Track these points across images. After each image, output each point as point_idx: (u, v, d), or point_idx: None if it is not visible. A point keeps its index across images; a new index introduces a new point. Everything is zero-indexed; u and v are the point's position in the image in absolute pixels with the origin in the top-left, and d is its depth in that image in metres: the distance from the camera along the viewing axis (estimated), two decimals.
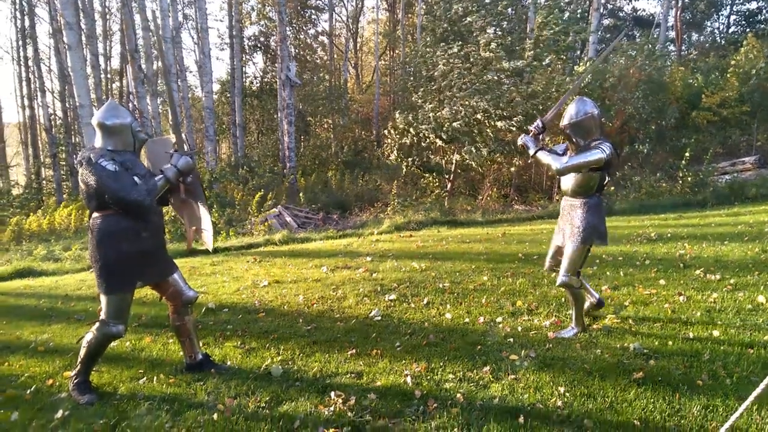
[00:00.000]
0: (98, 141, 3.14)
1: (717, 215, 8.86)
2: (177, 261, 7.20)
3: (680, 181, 11.29)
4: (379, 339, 4.03)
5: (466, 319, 4.41)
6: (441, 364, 3.55)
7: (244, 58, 29.18)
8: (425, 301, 4.87)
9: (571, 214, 3.93)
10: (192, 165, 3.31)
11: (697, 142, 13.34)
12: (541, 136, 3.99)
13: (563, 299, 4.76)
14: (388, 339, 4.02)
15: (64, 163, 21.84)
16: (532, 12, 15.16)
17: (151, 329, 4.48)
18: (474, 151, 11.79)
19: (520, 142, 4.00)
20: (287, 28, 21.00)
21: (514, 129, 12.24)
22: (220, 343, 4.05)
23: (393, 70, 30.48)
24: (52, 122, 22.29)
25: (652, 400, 2.99)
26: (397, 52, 30.09)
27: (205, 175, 13.09)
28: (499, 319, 4.37)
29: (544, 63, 12.65)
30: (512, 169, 13.44)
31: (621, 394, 3.07)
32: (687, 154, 11.25)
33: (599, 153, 3.63)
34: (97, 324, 3.17)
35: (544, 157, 3.84)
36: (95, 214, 3.08)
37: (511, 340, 3.93)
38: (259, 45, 29.10)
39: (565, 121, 3.83)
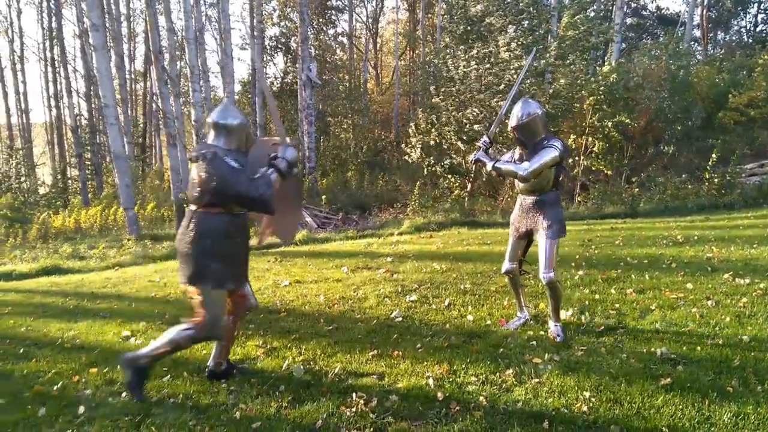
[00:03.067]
0: (213, 140, 3.12)
1: (745, 218, 8.65)
2: None
3: (707, 183, 11.06)
4: (401, 340, 4.02)
5: (488, 321, 4.37)
6: (463, 366, 3.52)
7: (265, 59, 29.44)
8: (446, 303, 4.84)
9: (538, 211, 3.97)
10: (296, 156, 3.31)
11: (723, 142, 13.06)
12: (489, 150, 4.07)
13: (587, 302, 4.69)
14: (410, 340, 4.00)
15: (89, 162, 22.27)
16: (556, 12, 15.00)
17: None
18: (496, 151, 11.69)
19: (472, 158, 4.06)
20: (308, 29, 21.10)
21: None
22: (242, 343, 4.07)
23: (413, 70, 30.45)
24: (78, 122, 22.72)
25: (680, 406, 2.92)
26: (417, 52, 30.05)
27: None
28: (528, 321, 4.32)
29: (567, 62, 12.50)
30: None
31: (648, 400, 3.00)
32: (714, 155, 11.01)
33: (553, 151, 3.73)
34: (194, 323, 3.11)
35: (504, 166, 3.91)
36: (201, 210, 3.05)
37: (534, 343, 3.88)
38: (280, 46, 29.32)
39: (512, 123, 3.88)
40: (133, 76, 29.29)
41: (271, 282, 5.79)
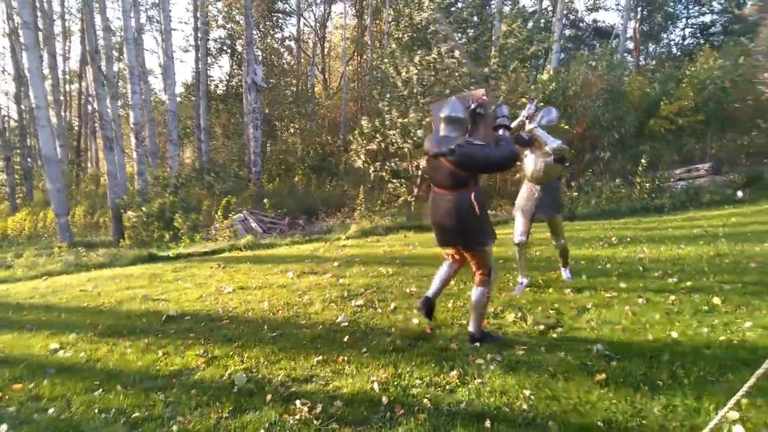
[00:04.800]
0: (445, 131, 3.69)
1: (674, 220, 9.14)
2: (136, 268, 6.96)
3: (638, 187, 11.62)
4: (346, 345, 3.99)
5: (431, 324, 4.40)
6: (408, 369, 3.53)
7: (209, 61, 28.75)
8: (392, 307, 4.85)
9: (548, 195, 5.10)
10: (509, 109, 3.93)
11: (653, 149, 13.76)
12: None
13: (528, 304, 4.80)
14: (355, 345, 3.98)
15: (18, 167, 21.04)
16: (497, 21, 15.42)
17: (108, 339, 4.32)
18: None
19: (526, 114, 4.83)
20: (253, 32, 20.77)
21: None
22: (181, 353, 3.93)
23: (361, 75, 30.54)
24: (6, 125, 21.43)
25: (614, 401, 3.04)
26: (365, 57, 30.14)
27: (169, 179, 12.77)
28: (464, 322, 4.38)
29: (509, 71, 12.86)
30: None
31: (585, 396, 3.11)
32: (643, 161, 11.59)
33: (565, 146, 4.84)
34: (484, 279, 3.83)
35: (541, 133, 4.83)
36: (468, 189, 3.62)
37: (478, 344, 3.94)
38: (225, 48, 28.73)
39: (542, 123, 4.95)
40: (67, 77, 27.94)
41: (214, 289, 5.62)
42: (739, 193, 10.80)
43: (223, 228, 9.96)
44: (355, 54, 32.44)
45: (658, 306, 4.57)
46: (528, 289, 5.25)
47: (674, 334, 3.95)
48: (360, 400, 3.14)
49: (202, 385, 3.38)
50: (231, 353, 3.86)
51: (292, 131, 27.08)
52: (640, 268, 5.82)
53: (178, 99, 28.08)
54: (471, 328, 3.95)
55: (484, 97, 3.78)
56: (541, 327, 4.24)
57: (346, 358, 3.73)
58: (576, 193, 12.05)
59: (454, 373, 3.46)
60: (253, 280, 5.94)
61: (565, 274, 5.53)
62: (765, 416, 2.80)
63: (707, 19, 28.36)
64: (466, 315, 4.58)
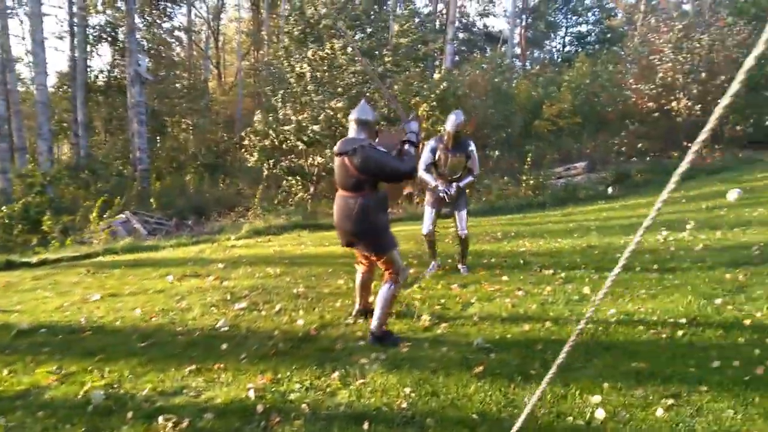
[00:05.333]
0: (355, 134, 3.77)
1: (554, 215, 9.75)
2: None
3: (524, 185, 12.29)
4: (224, 352, 3.76)
5: (316, 325, 4.28)
6: (288, 374, 3.39)
7: (88, 50, 26.47)
8: (277, 308, 4.67)
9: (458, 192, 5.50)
10: (420, 124, 4.02)
11: (537, 148, 14.64)
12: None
13: (415, 301, 4.83)
14: (234, 351, 3.76)
15: None
16: (391, 20, 15.61)
17: None
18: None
19: (448, 190, 5.42)
20: (135, 20, 19.36)
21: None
22: (31, 370, 3.48)
23: (258, 71, 29.65)
24: None
25: (489, 392, 3.10)
26: (261, 52, 29.30)
27: (37, 178, 11.52)
28: (350, 321, 4.32)
29: (404, 71, 13.05)
30: None
31: (462, 390, 3.15)
32: (528, 160, 12.27)
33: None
34: (393, 277, 3.83)
35: (467, 181, 5.66)
36: (364, 193, 3.65)
37: (362, 343, 3.88)
38: (105, 36, 26.57)
39: (450, 128, 5.37)
40: None
41: (78, 297, 5.09)
42: (610, 190, 11.76)
43: (98, 230, 9.14)
44: (252, 48, 31.47)
45: (536, 297, 4.79)
46: (417, 286, 5.29)
47: (548, 324, 4.15)
48: (233, 411, 2.95)
49: (52, 406, 3.01)
50: (90, 368, 3.48)
51: (184, 127, 25.69)
52: (521, 261, 6.10)
53: (51, 89, 25.62)
54: (373, 326, 3.87)
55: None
56: (427, 323, 4.27)
57: (222, 365, 3.51)
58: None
59: (336, 374, 3.36)
60: (126, 286, 5.46)
61: (462, 268, 5.78)
62: (624, 398, 2.99)
63: (584, 29, 30.82)
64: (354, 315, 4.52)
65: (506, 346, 3.79)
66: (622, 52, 16.95)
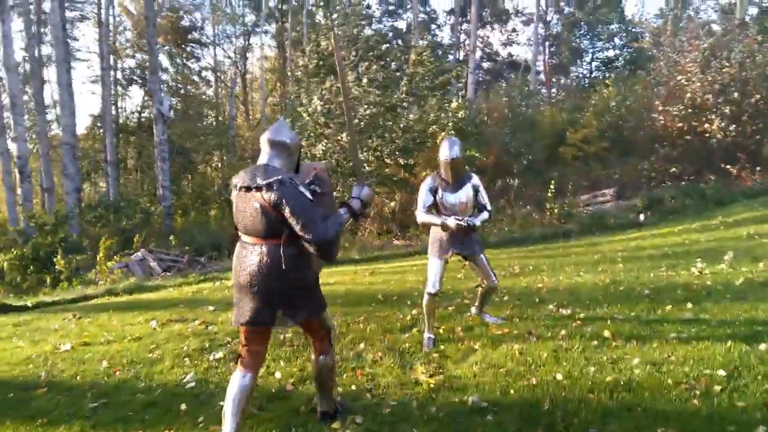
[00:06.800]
0: (270, 160, 2.79)
1: (578, 245, 9.09)
2: None
3: (548, 213, 11.66)
4: (182, 413, 3.31)
5: (294, 379, 3.80)
6: None
7: (119, 92, 27.32)
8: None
9: (469, 233, 4.41)
10: (373, 196, 3.10)
11: (562, 175, 14.01)
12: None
13: (411, 349, 4.31)
14: (193, 413, 3.31)
15: None
16: (407, 51, 15.45)
17: None
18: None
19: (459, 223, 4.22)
20: (164, 62, 19.86)
21: (389, 162, 12.16)
22: None
23: (283, 106, 30.00)
24: None
25: None
26: (287, 89, 29.73)
27: (44, 219, 11.50)
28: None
29: (417, 99, 12.77)
30: (392, 203, 13.29)
31: None
32: (552, 187, 11.67)
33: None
34: (326, 343, 3.02)
35: (481, 219, 4.46)
36: (272, 242, 2.67)
37: (338, 398, 3.38)
38: (135, 78, 27.45)
39: (450, 157, 4.34)
40: None
41: (50, 347, 4.75)
42: (641, 217, 11.02)
43: (105, 271, 8.94)
44: (278, 85, 31.95)
45: (547, 343, 4.21)
46: (417, 329, 4.77)
47: (559, 376, 3.57)
48: None
49: None
50: None
51: (212, 164, 26.00)
52: (537, 300, 5.52)
53: (84, 131, 26.42)
54: (323, 407, 3.13)
55: (325, 172, 3.14)
56: (420, 375, 3.75)
57: (173, 431, 3.06)
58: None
59: None
60: (105, 333, 5.11)
61: (491, 318, 4.96)
62: None
63: (611, 53, 30.15)
64: (339, 366, 4.03)
65: (507, 405, 3.24)
66: (650, 75, 16.32)
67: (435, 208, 4.48)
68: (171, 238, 14.27)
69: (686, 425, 2.86)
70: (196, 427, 3.12)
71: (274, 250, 2.65)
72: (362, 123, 11.67)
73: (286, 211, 2.58)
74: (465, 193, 4.45)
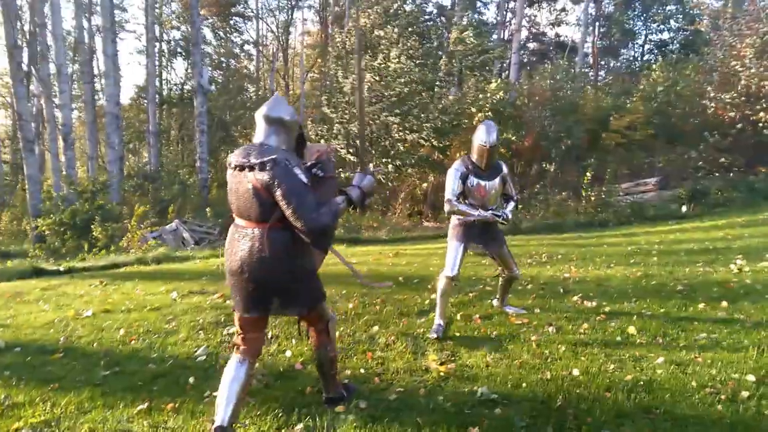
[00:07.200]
0: (266, 138, 2.60)
1: (614, 235, 8.76)
2: (8, 284, 6.09)
3: (584, 201, 11.29)
4: (190, 387, 3.33)
5: (304, 357, 3.77)
6: (246, 421, 2.90)
7: (164, 64, 27.80)
8: (269, 335, 4.20)
9: (492, 224, 4.26)
10: (375, 186, 2.95)
11: (603, 162, 13.50)
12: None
13: (426, 335, 4.21)
14: (200, 387, 3.31)
15: None
16: (447, 27, 15.07)
17: None
18: (383, 166, 11.41)
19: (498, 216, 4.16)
20: (207, 35, 20.02)
21: (424, 143, 11.97)
22: None
23: (323, 82, 29.96)
24: None
25: None
26: (327, 65, 29.64)
27: (88, 186, 11.85)
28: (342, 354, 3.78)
29: (455, 79, 12.46)
30: (424, 185, 13.13)
31: None
32: (588, 174, 11.27)
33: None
34: (324, 337, 2.89)
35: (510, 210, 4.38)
36: (265, 226, 2.52)
37: (346, 381, 3.33)
38: (180, 50, 27.84)
39: (490, 142, 4.11)
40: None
41: (73, 312, 4.87)
42: (684, 208, 10.53)
43: (135, 238, 9.16)
44: (320, 61, 31.86)
45: (567, 336, 4.05)
46: (433, 314, 4.67)
47: (575, 372, 3.41)
48: None
49: None
50: (38, 399, 3.15)
51: (250, 137, 26.26)
52: (561, 290, 5.33)
53: (129, 102, 27.08)
54: (328, 393, 3.06)
55: (330, 154, 2.97)
56: (432, 362, 3.66)
57: (178, 404, 3.07)
58: (521, 206, 11.65)
59: (300, 426, 2.83)
60: (127, 302, 5.21)
61: (513, 310, 4.76)
62: None
63: (665, 36, 28.72)
64: (351, 347, 3.98)
65: (517, 398, 3.11)
66: (703, 60, 15.44)
67: (461, 194, 4.27)
68: (207, 210, 14.52)
69: None
70: (201, 401, 3.13)
71: (270, 234, 2.52)
72: (393, 99, 11.50)
73: (278, 193, 2.42)
74: (499, 182, 4.30)
